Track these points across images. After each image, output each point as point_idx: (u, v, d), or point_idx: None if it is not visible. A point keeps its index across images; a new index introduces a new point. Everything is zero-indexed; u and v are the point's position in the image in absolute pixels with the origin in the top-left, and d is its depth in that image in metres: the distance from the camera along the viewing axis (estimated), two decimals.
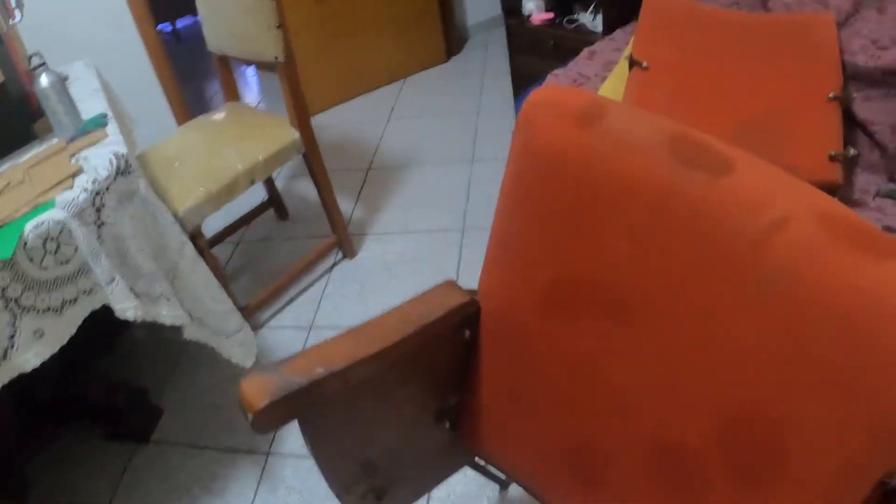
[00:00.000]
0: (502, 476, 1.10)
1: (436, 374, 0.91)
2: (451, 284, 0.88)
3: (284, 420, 0.70)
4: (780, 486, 0.60)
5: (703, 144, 0.66)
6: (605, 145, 0.69)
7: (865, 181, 1.29)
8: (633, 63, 1.43)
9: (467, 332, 0.90)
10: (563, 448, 0.83)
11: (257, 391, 0.68)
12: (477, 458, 1.03)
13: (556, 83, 1.63)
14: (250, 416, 0.67)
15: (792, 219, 0.58)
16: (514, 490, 1.35)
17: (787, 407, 0.58)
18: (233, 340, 1.52)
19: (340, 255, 2.12)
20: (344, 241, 2.04)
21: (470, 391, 0.93)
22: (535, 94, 0.75)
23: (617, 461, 0.76)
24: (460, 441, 0.99)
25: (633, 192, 0.67)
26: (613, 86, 1.48)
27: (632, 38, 1.56)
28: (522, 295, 0.80)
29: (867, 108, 1.33)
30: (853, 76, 1.36)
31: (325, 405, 0.75)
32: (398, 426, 0.91)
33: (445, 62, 3.28)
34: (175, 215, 1.48)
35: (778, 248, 0.58)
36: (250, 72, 3.77)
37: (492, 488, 1.37)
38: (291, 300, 1.98)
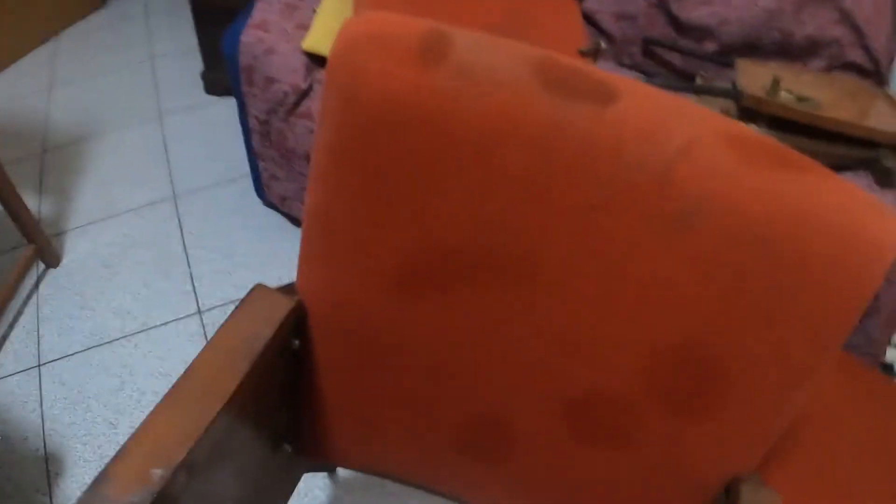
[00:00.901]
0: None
1: (267, 401, 0.72)
2: (264, 291, 0.69)
3: None
4: (722, 411, 0.58)
5: (574, 69, 0.57)
6: (461, 85, 0.55)
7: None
8: None
9: (297, 342, 0.72)
10: (454, 434, 0.73)
11: None
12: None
13: (268, 8, 1.38)
14: None
15: (696, 144, 0.53)
16: (344, 472, 1.24)
17: (723, 334, 0.56)
18: None
19: (42, 266, 1.64)
20: (45, 247, 1.57)
21: (310, 406, 0.77)
22: (351, 29, 0.57)
23: (523, 430, 0.69)
24: (307, 460, 0.83)
25: (504, 135, 0.56)
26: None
27: None
28: (366, 283, 0.65)
29: None
30: None
31: None
32: (247, 477, 0.71)
33: (100, 7, 2.68)
34: None
35: (686, 177, 0.53)
36: None
37: (321, 476, 1.24)
38: (1, 341, 1.49)
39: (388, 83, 0.56)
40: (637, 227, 0.55)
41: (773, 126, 1.16)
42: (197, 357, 0.60)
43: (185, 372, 0.58)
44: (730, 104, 1.21)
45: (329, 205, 0.63)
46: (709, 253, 0.54)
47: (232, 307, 1.38)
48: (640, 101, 0.55)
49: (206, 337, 1.37)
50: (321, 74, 1.27)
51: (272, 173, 1.43)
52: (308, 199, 0.65)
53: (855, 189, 0.52)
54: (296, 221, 1.55)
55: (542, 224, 0.58)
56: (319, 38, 1.25)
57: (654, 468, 0.65)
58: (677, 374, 0.59)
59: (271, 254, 1.51)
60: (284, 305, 0.67)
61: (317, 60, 1.27)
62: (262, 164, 1.43)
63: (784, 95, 1.16)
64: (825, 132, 1.13)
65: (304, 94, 1.26)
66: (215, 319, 1.38)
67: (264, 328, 0.64)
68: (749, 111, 1.18)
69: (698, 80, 1.34)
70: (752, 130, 0.54)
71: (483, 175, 0.57)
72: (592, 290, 0.59)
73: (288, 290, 0.72)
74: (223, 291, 1.46)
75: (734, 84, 1.21)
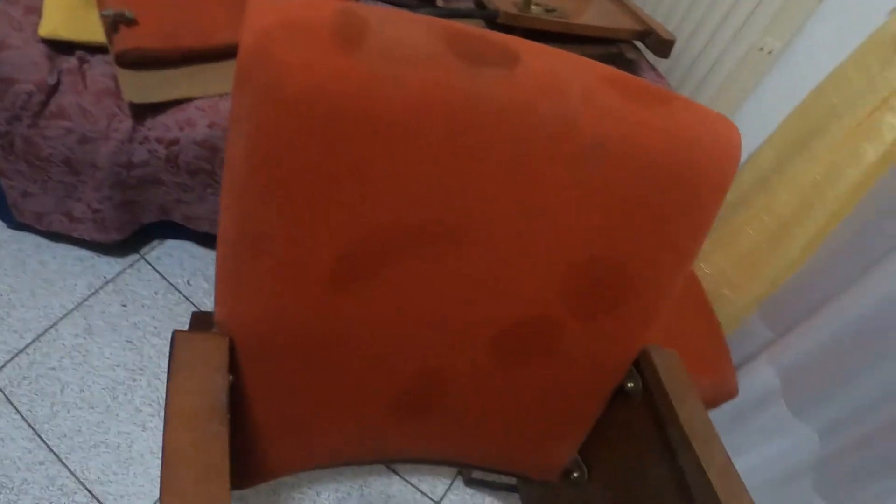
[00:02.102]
0: None
1: None
2: (188, 337, 0.62)
3: None
4: (626, 303, 0.73)
5: (478, 36, 0.62)
6: (384, 67, 0.57)
7: None
8: None
9: (231, 378, 0.68)
10: (390, 400, 0.77)
11: None
12: None
13: None
14: None
15: (589, 91, 0.63)
16: None
17: (625, 244, 0.69)
18: None
19: None
20: None
21: (247, 436, 0.74)
22: (259, 20, 0.54)
23: (456, 376, 0.77)
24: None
25: (428, 110, 0.59)
26: None
27: None
28: (302, 286, 0.64)
29: None
30: None
31: None
32: None
33: None
34: None
35: (588, 121, 0.63)
36: None
37: None
38: None
39: (311, 75, 0.55)
40: (550, 172, 0.64)
41: (528, 37, 1.32)
42: (166, 436, 0.53)
43: (165, 458, 0.52)
44: (480, 23, 1.31)
45: (256, 219, 0.60)
46: (610, 181, 0.65)
47: (26, 357, 1.18)
48: (538, 58, 0.63)
49: (8, 401, 1.15)
50: (71, 63, 1.08)
51: (22, 190, 1.20)
52: (227, 221, 0.60)
53: (701, 107, 0.67)
54: (56, 237, 1.34)
55: (467, 189, 0.63)
56: (57, 20, 1.06)
57: (574, 366, 0.78)
58: (589, 285, 0.71)
59: (43, 280, 1.29)
60: (220, 345, 0.62)
61: (60, 47, 1.08)
62: (6, 183, 1.19)
63: (535, 9, 1.32)
64: (575, 37, 1.32)
65: (53, 89, 1.07)
66: (11, 377, 1.17)
67: (217, 377, 0.59)
68: (503, 27, 1.31)
69: (439, 3, 1.42)
70: (622, 71, 0.66)
71: (409, 153, 0.60)
72: (514, 233, 0.67)
73: (198, 326, 0.66)
74: (5, 342, 1.23)
75: (480, 4, 1.32)
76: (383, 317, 0.67)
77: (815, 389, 1.21)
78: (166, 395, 0.56)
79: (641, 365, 0.78)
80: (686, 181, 0.66)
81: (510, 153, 0.63)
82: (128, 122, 1.06)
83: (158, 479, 1.12)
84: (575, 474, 0.88)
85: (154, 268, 1.40)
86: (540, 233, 0.67)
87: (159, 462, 1.14)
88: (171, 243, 1.44)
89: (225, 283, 0.61)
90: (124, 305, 1.33)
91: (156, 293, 1.36)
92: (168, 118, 1.07)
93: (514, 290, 0.70)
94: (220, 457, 0.52)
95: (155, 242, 1.43)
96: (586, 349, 0.76)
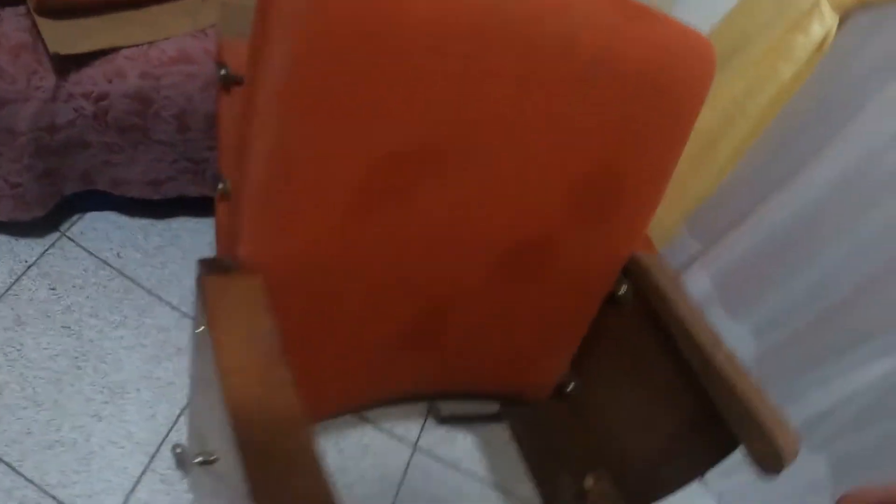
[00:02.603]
0: None
1: None
2: (221, 281, 0.58)
3: None
4: (618, 211, 0.78)
5: None
6: None
7: None
8: None
9: None
10: (401, 329, 0.78)
11: None
12: None
13: None
14: None
15: (590, 7, 0.65)
16: None
17: (621, 154, 0.74)
18: None
19: None
20: None
21: None
22: None
23: (464, 298, 0.78)
24: None
25: (450, 21, 0.59)
26: None
27: None
28: (327, 215, 0.63)
29: None
30: None
31: None
32: None
33: None
34: None
35: (589, 38, 0.65)
36: None
37: None
38: None
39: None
40: (553, 87, 0.67)
41: None
42: (229, 396, 0.48)
43: (236, 424, 0.47)
44: None
45: (288, 146, 0.57)
46: (609, 95, 0.69)
47: None
48: None
49: None
50: None
51: None
52: (256, 153, 0.57)
53: (677, 23, 0.71)
54: None
55: (480, 108, 0.64)
56: None
57: (570, 277, 0.82)
58: (586, 197, 0.75)
59: None
60: (257, 284, 0.59)
61: None
62: None
63: None
64: None
65: None
66: None
67: (264, 319, 0.55)
68: None
69: None
70: None
71: (431, 71, 0.60)
72: (520, 151, 0.69)
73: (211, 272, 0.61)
74: None
75: None
76: (401, 241, 0.67)
77: (747, 292, 1.34)
78: (213, 348, 0.52)
79: (630, 271, 0.83)
80: (668, 94, 0.71)
81: (517, 71, 0.64)
82: (50, 79, 0.96)
83: (126, 470, 1.06)
84: (570, 388, 0.93)
85: (79, 244, 1.29)
86: (544, 149, 0.70)
87: (123, 451, 1.08)
88: (92, 216, 1.33)
89: (255, 219, 0.59)
90: (53, 289, 1.22)
91: (85, 271, 1.26)
92: (95, 71, 0.98)
93: (519, 207, 0.72)
94: (294, 407, 0.49)
95: (75, 217, 1.32)
96: (582, 260, 0.80)
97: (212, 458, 0.66)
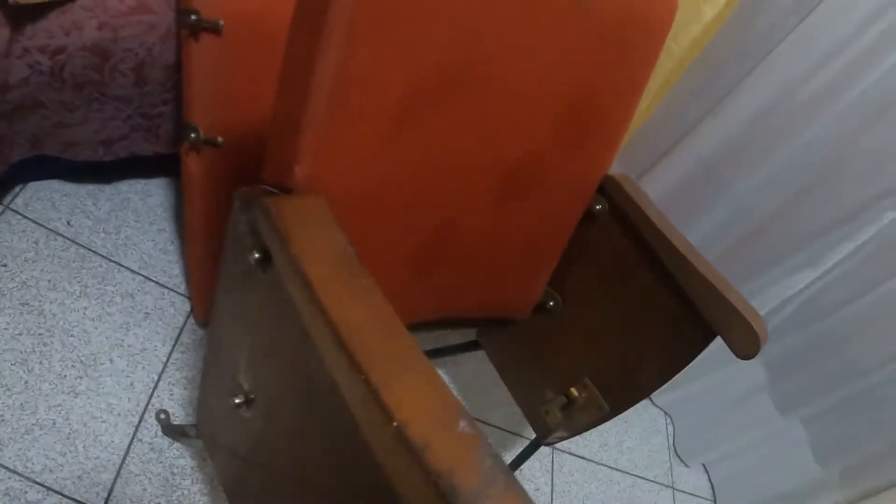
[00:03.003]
0: None
1: None
2: (286, 200, 0.59)
3: None
4: (598, 133, 0.86)
5: None
6: None
7: None
8: None
9: None
10: (411, 253, 0.82)
11: None
12: None
13: None
14: None
15: None
16: None
17: (603, 80, 0.81)
18: None
19: None
20: None
21: None
22: None
23: (468, 215, 0.83)
24: None
25: None
26: None
27: None
28: (376, 137, 0.65)
29: None
30: None
31: None
32: None
33: None
34: None
35: None
36: None
37: None
38: None
39: None
40: (551, 16, 0.72)
41: None
42: (336, 316, 0.47)
43: (347, 343, 0.46)
44: None
45: (349, 70, 0.58)
46: (595, 25, 0.76)
47: None
48: None
49: None
50: None
51: None
52: (318, 78, 0.58)
53: None
54: None
55: (494, 30, 0.69)
56: None
57: (555, 195, 0.90)
58: (572, 118, 0.83)
59: None
60: (321, 202, 0.59)
61: None
62: None
63: None
64: None
65: None
66: None
67: (339, 234, 0.56)
68: None
69: None
70: None
71: None
72: (521, 75, 0.75)
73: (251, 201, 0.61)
74: None
75: None
76: (427, 162, 0.72)
77: (676, 220, 1.47)
78: (297, 264, 0.50)
79: (606, 189, 0.92)
80: (638, 31, 0.80)
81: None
82: (3, 33, 0.91)
83: (114, 444, 1.05)
84: (550, 304, 1.02)
85: (25, 216, 1.23)
86: (536, 76, 0.76)
87: (106, 425, 1.07)
88: (34, 185, 1.27)
89: (315, 143, 0.59)
90: (4, 265, 1.16)
91: (36, 243, 1.21)
92: (51, 23, 0.94)
93: (516, 131, 0.79)
94: (389, 310, 0.51)
95: (16, 188, 1.25)
96: (566, 178, 0.88)
97: (251, 396, 0.68)
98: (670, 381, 0.99)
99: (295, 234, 0.52)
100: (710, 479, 1.72)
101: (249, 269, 0.57)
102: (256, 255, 0.54)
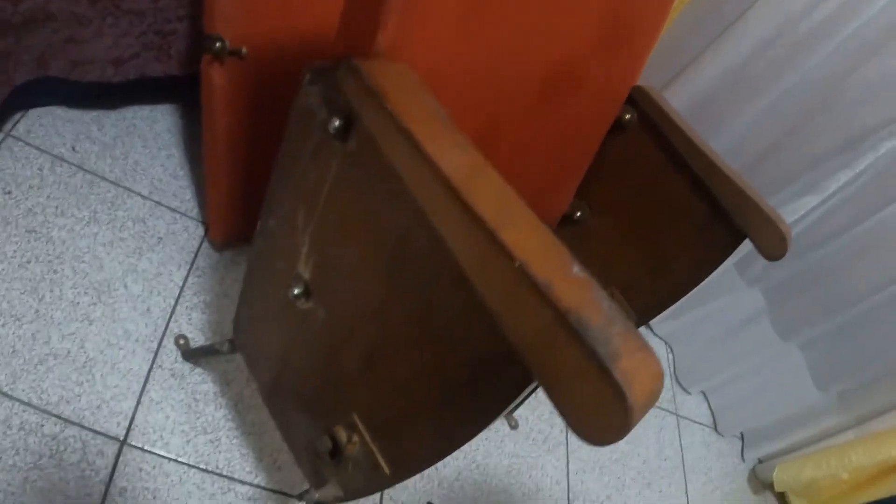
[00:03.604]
0: None
1: None
2: (390, 71, 0.57)
3: None
4: (631, 42, 0.88)
5: None
6: None
7: None
8: None
9: None
10: None
11: None
12: None
13: None
14: None
15: None
16: None
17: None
18: None
19: None
20: None
21: None
22: None
23: (510, 117, 0.84)
24: None
25: None
26: None
27: None
28: (447, 18, 0.64)
29: None
30: None
31: None
32: None
33: None
34: None
35: None
36: None
37: None
38: None
39: None
40: None
41: None
42: (432, 147, 0.48)
43: (450, 172, 0.47)
44: None
45: None
46: None
47: None
48: None
49: None
50: None
51: None
52: None
53: None
54: None
55: None
56: None
57: (592, 99, 0.91)
58: (614, 23, 0.84)
59: None
60: (409, 69, 0.58)
61: None
62: None
63: None
64: None
65: None
66: None
67: (429, 94, 0.56)
68: None
69: None
70: None
71: None
72: None
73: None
74: None
75: None
76: (481, 56, 0.72)
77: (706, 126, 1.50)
78: (396, 119, 0.50)
79: (635, 98, 0.94)
80: None
81: None
82: None
83: (132, 371, 1.04)
84: (577, 214, 1.04)
85: (28, 143, 1.20)
86: None
87: (124, 352, 1.07)
88: (35, 112, 1.24)
89: (400, 11, 0.57)
90: (8, 192, 1.14)
91: (41, 170, 1.18)
92: None
93: (561, 32, 0.80)
94: (490, 166, 0.52)
95: (17, 115, 1.22)
96: (601, 83, 0.90)
97: (311, 287, 0.68)
98: (670, 310, 1.02)
99: (389, 90, 0.52)
100: (709, 406, 1.80)
101: (322, 142, 0.57)
102: (337, 123, 0.54)
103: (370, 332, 0.63)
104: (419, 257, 0.53)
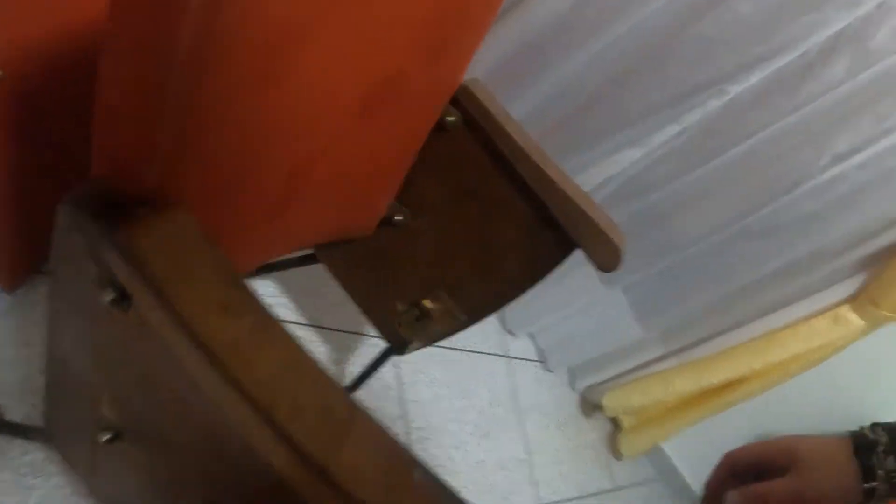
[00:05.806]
0: None
1: None
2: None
3: None
4: (455, 51, 0.80)
5: None
6: None
7: None
8: None
9: None
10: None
11: None
12: None
13: None
14: None
15: None
16: None
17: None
18: None
19: None
20: None
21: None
22: None
23: (331, 142, 0.76)
24: None
25: None
26: None
27: None
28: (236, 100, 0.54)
29: None
30: None
31: None
32: None
33: None
34: None
35: None
36: None
37: None
38: None
39: None
40: None
41: None
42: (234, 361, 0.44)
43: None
44: None
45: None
46: None
47: None
48: None
49: None
50: None
51: None
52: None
53: None
54: None
55: None
56: None
57: (412, 109, 0.84)
58: (432, 31, 0.75)
59: None
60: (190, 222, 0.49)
61: None
62: None
63: None
64: None
65: None
66: None
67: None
68: None
69: None
70: None
71: None
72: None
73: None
74: None
75: None
76: (287, 103, 0.62)
77: (507, 89, 1.47)
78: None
79: (459, 99, 0.88)
80: None
81: None
82: None
83: None
84: (396, 218, 0.99)
85: None
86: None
87: None
88: None
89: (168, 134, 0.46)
90: None
91: None
92: None
93: (382, 49, 0.70)
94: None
95: None
96: (423, 91, 0.82)
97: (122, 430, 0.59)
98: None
99: (163, 278, 0.44)
100: (536, 345, 1.92)
101: (98, 307, 0.46)
102: (111, 297, 0.44)
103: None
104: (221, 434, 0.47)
